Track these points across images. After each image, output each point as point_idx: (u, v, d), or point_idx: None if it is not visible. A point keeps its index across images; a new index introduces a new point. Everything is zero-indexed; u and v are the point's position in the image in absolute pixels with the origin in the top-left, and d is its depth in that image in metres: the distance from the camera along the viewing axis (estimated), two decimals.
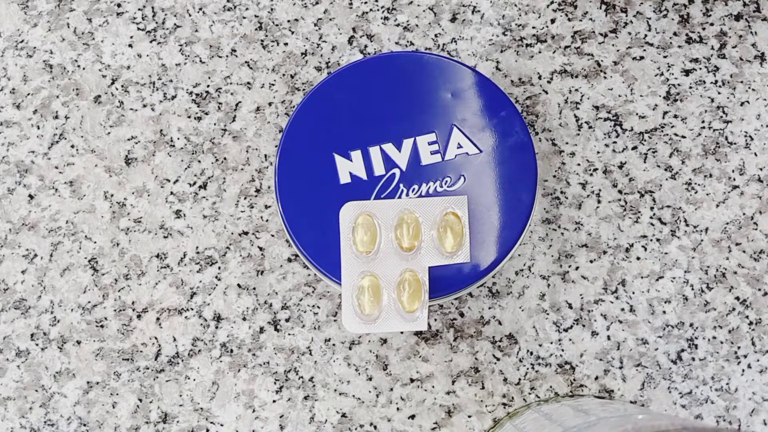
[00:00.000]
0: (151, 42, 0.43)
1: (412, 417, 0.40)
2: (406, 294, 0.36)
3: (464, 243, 0.36)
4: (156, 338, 0.41)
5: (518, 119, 0.38)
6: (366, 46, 0.43)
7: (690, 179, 0.41)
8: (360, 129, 0.38)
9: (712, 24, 0.42)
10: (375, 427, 0.40)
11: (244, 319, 0.40)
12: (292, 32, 0.43)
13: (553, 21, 0.43)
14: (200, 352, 0.40)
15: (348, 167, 0.37)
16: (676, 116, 0.42)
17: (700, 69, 0.42)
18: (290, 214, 0.37)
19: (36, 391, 0.40)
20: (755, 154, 0.41)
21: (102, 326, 0.41)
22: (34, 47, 0.43)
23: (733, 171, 0.41)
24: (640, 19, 0.43)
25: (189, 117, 0.42)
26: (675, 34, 0.42)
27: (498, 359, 0.40)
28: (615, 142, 0.42)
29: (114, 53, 0.43)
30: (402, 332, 0.40)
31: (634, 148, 0.42)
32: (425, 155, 0.37)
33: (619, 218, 0.41)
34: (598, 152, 0.42)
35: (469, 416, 0.40)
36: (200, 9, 0.43)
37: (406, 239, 0.36)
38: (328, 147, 0.38)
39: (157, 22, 0.43)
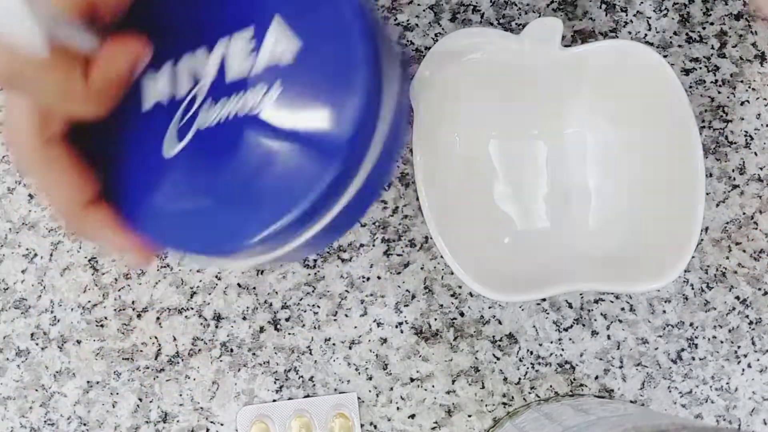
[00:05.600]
0: None
1: (412, 416, 0.40)
2: None
3: None
4: (156, 338, 0.41)
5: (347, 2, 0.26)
6: None
7: None
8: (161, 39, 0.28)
9: (712, 23, 0.42)
10: (375, 427, 0.40)
11: (244, 318, 0.40)
12: None
13: None
14: (200, 352, 0.40)
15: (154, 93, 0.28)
16: None
17: (701, 68, 0.42)
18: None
19: (36, 390, 0.40)
20: (755, 154, 0.41)
21: (102, 326, 0.41)
22: None
23: (733, 170, 0.41)
24: (640, 19, 0.42)
25: None
26: (675, 33, 0.42)
27: (498, 359, 0.40)
28: None
29: None
30: (402, 331, 0.40)
31: None
32: (236, 62, 0.27)
33: None
34: None
35: (469, 416, 0.40)
36: None
37: None
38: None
39: None
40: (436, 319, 0.40)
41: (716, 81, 0.42)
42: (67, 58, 0.25)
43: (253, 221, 0.25)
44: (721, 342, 0.40)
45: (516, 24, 0.43)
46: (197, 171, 0.27)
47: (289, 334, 0.40)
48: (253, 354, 0.40)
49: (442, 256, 0.37)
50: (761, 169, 0.41)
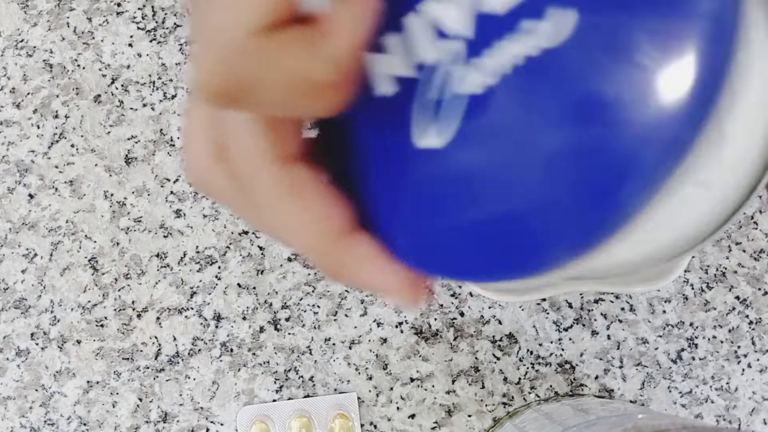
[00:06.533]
0: (151, 41, 0.43)
1: (412, 416, 0.40)
2: None
3: None
4: (156, 337, 0.41)
5: None
6: None
7: None
8: None
9: None
10: (375, 427, 0.40)
11: (244, 318, 0.40)
12: None
13: None
14: (200, 352, 0.40)
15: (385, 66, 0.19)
16: None
17: None
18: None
19: (36, 390, 0.40)
20: None
21: (102, 326, 0.41)
22: (34, 47, 0.43)
23: None
24: None
25: None
26: None
27: (498, 358, 0.40)
28: None
29: (114, 52, 0.43)
30: (402, 331, 0.40)
31: None
32: None
33: None
34: None
35: (469, 415, 0.40)
36: None
37: None
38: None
39: (157, 22, 0.43)
40: (436, 319, 0.40)
41: None
42: (301, 26, 0.17)
43: (593, 214, 0.16)
44: (721, 342, 0.40)
45: None
46: (477, 159, 0.18)
47: (289, 334, 0.40)
48: (253, 354, 0.40)
49: None
50: None
